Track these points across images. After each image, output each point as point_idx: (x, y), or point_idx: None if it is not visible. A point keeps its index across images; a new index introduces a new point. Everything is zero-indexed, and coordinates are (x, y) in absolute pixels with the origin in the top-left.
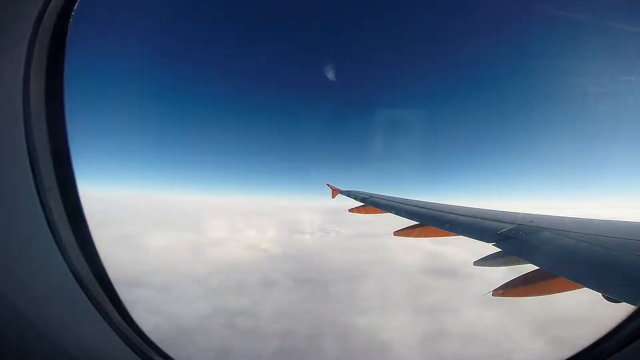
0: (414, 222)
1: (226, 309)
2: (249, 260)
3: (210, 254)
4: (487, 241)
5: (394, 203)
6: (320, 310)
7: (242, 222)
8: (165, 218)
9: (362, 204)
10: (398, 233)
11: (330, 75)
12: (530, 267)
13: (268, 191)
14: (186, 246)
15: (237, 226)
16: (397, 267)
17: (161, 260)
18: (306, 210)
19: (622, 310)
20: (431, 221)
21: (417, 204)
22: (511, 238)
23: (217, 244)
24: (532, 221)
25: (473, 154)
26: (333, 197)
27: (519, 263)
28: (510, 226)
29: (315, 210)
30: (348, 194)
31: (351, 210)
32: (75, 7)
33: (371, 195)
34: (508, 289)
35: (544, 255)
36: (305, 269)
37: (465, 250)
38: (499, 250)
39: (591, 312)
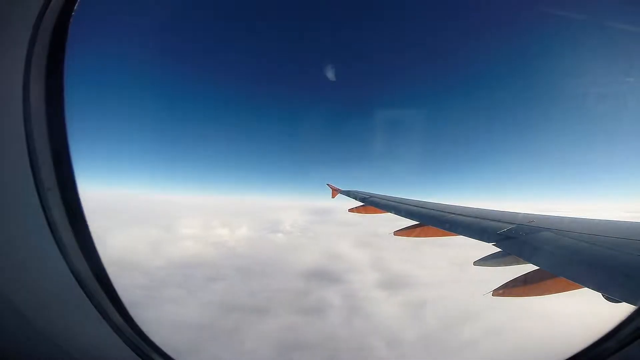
0: (414, 222)
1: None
2: (204, 256)
3: (171, 250)
4: (487, 241)
5: (393, 203)
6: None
7: (226, 221)
8: (150, 216)
9: (361, 203)
10: (398, 233)
11: (330, 75)
12: (530, 267)
13: (267, 191)
14: (151, 242)
15: (216, 225)
16: (294, 268)
17: (119, 254)
18: (300, 211)
19: (622, 310)
20: (431, 221)
21: (417, 204)
22: (511, 238)
23: (183, 240)
24: (532, 221)
25: (473, 154)
26: (333, 197)
27: (519, 263)
28: (510, 226)
29: (310, 211)
30: (348, 193)
31: (351, 210)
32: (75, 7)
33: (371, 195)
34: (508, 289)
35: (544, 255)
36: (231, 266)
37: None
38: (499, 250)
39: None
